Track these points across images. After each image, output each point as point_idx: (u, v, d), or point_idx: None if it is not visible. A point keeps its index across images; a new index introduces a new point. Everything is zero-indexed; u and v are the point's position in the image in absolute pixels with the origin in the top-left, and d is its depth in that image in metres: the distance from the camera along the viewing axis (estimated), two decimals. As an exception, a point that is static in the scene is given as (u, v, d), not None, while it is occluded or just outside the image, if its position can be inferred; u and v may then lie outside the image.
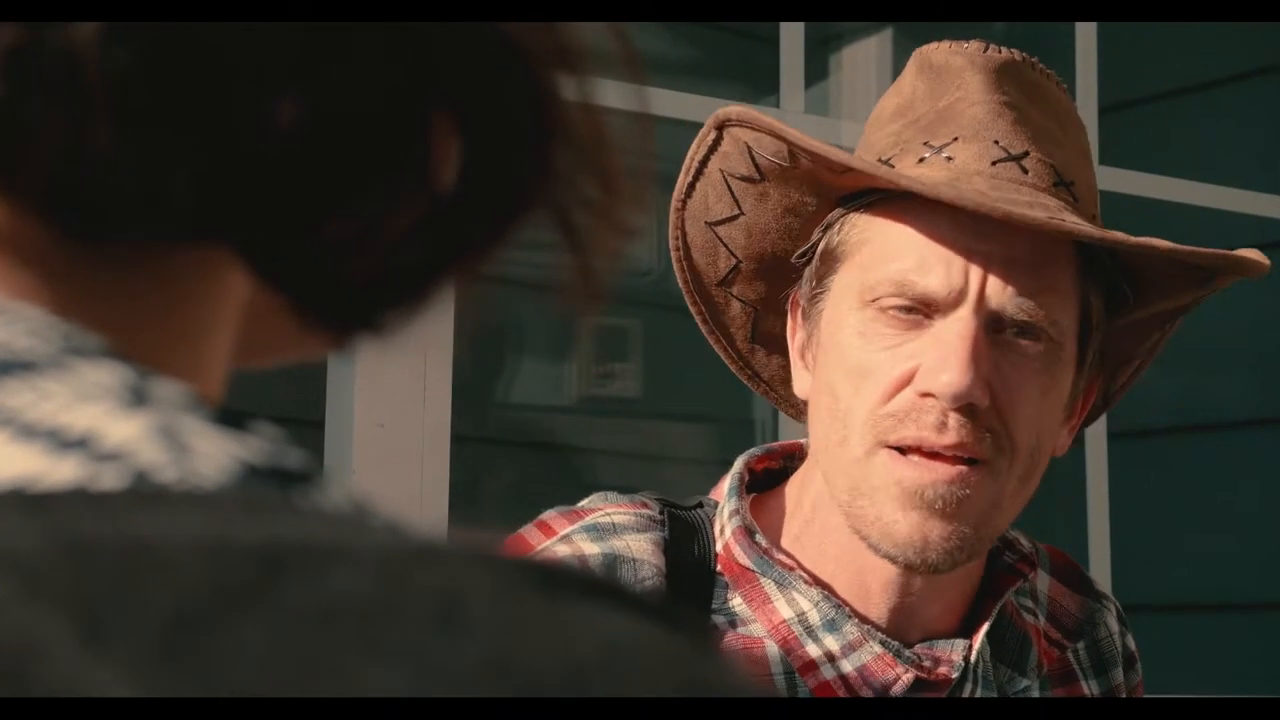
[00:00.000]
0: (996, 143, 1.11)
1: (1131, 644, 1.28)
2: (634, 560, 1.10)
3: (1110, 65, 2.67)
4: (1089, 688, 1.23)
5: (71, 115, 0.34)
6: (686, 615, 0.31)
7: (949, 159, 1.11)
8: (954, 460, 1.06)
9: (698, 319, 1.23)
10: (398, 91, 0.38)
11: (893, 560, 1.08)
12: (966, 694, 1.13)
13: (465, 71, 0.39)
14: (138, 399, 0.33)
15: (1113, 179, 2.52)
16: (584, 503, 1.17)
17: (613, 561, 1.09)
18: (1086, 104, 2.54)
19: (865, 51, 2.91)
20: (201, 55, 0.35)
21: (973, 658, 1.12)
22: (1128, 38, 2.83)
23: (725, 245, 1.19)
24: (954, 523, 1.06)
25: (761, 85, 2.70)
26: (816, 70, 2.81)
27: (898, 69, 3.07)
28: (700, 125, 1.17)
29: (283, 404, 2.02)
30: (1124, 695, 1.25)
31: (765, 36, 2.63)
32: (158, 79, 0.34)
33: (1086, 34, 2.62)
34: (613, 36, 0.42)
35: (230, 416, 0.34)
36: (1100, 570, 2.52)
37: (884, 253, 1.10)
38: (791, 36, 2.46)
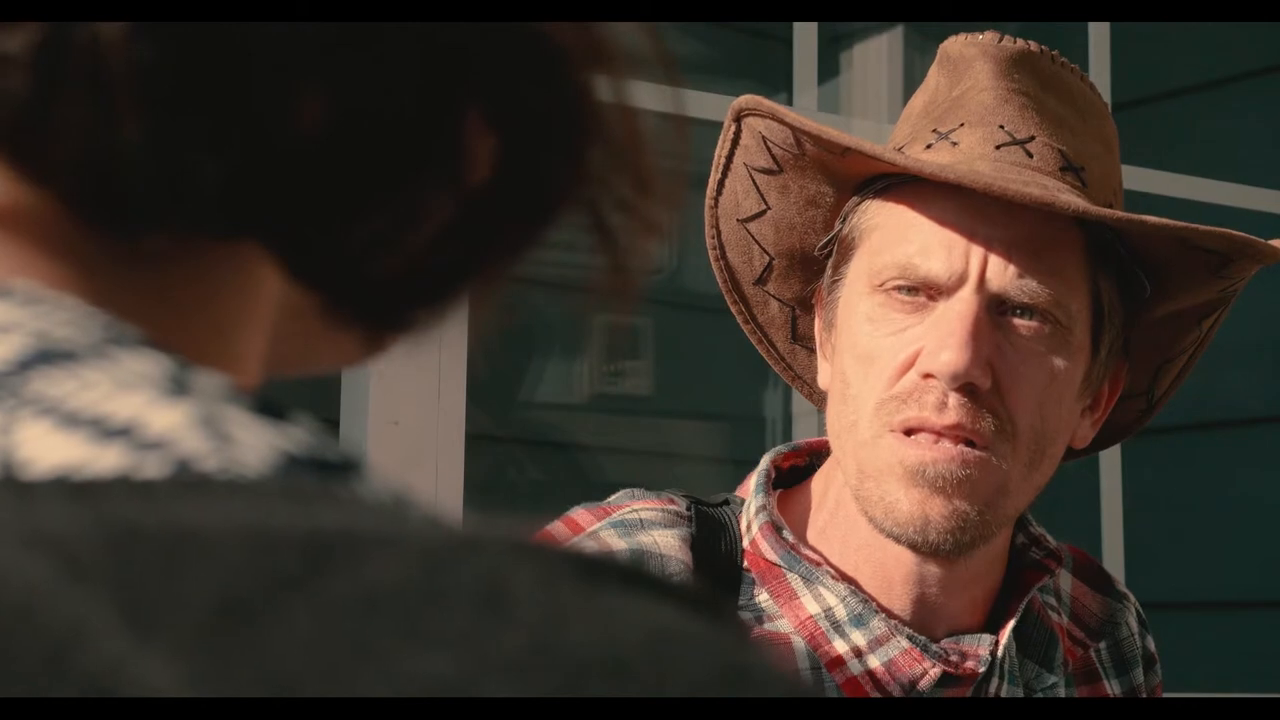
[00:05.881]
0: (1001, 127, 1.11)
1: (1151, 644, 1.27)
2: (661, 556, 1.10)
3: (1123, 63, 2.67)
4: (1111, 687, 1.23)
5: (98, 108, 0.34)
6: (724, 605, 0.32)
7: (955, 144, 1.11)
8: (956, 440, 1.06)
9: (739, 319, 1.23)
10: (428, 89, 0.38)
11: (897, 540, 1.08)
12: (993, 689, 1.13)
13: (499, 69, 0.39)
14: (179, 389, 0.33)
15: (1126, 176, 2.51)
16: (611, 499, 1.17)
17: (640, 557, 1.09)
18: (1099, 102, 2.54)
19: (876, 49, 2.91)
20: (225, 48, 0.35)
21: (999, 653, 1.12)
22: (1140, 36, 2.83)
23: (758, 243, 1.19)
24: (955, 501, 1.06)
25: (774, 83, 2.70)
26: (828, 68, 2.81)
27: (909, 67, 3.07)
28: (714, 124, 1.18)
29: (297, 401, 2.02)
30: (1144, 696, 1.25)
31: (778, 35, 2.63)
32: (181, 72, 0.35)
33: (1100, 32, 2.61)
34: (647, 37, 0.42)
35: (270, 407, 0.34)
36: (1114, 568, 2.51)
37: (891, 237, 1.10)
38: (805, 35, 2.46)
